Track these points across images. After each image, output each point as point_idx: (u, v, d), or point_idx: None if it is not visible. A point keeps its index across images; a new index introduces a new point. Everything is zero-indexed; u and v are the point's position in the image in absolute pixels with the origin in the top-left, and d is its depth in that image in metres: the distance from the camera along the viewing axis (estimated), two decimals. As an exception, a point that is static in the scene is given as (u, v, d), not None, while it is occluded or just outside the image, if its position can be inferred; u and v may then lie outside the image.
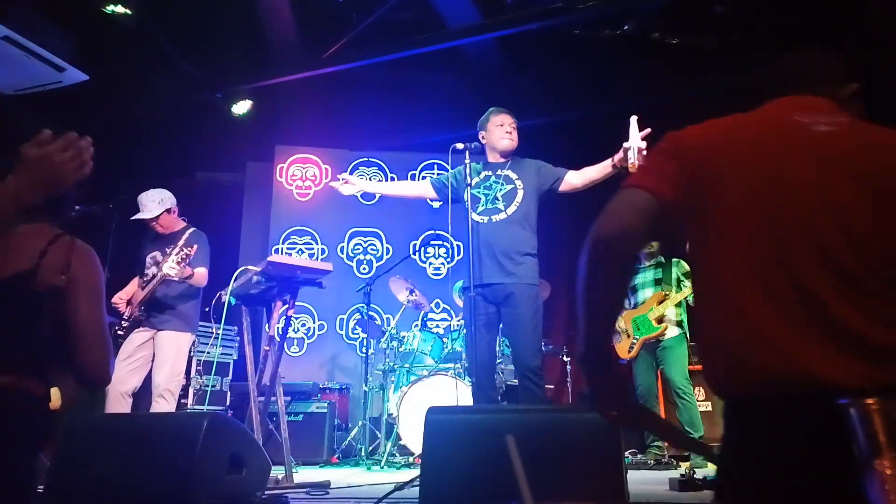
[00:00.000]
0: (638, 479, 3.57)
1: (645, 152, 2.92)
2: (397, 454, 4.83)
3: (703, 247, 1.16)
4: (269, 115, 6.62)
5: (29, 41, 4.34)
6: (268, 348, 3.48)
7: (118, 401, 3.71)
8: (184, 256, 3.68)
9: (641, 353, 4.72)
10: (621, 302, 1.24)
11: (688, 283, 4.64)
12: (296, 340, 6.70)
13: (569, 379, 5.98)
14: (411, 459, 4.67)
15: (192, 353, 4.82)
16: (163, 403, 3.79)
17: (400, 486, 2.59)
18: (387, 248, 7.09)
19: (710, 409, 5.03)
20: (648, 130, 2.94)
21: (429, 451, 1.91)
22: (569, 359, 5.98)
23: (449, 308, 6.78)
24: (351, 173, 6.64)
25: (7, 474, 1.35)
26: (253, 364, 3.35)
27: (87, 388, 1.86)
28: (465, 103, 5.62)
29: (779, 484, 0.99)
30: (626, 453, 4.38)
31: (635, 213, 1.14)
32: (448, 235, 6.97)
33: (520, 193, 3.26)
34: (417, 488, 1.93)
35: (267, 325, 3.99)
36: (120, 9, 4.92)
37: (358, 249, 7.08)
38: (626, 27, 5.72)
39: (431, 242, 7.08)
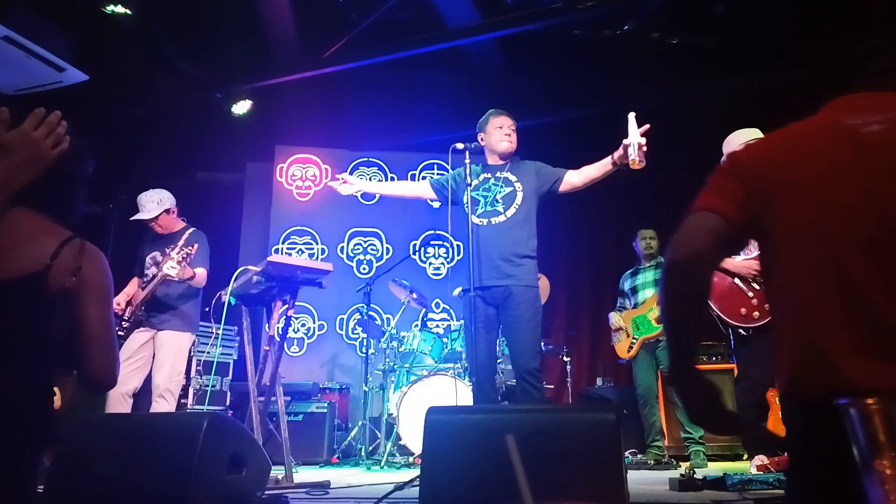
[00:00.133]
0: (638, 479, 3.56)
1: (645, 148, 2.91)
2: (397, 454, 4.84)
3: (766, 263, 1.22)
4: (269, 115, 6.62)
5: (29, 41, 4.33)
6: (268, 348, 3.48)
7: (119, 401, 3.71)
8: (185, 256, 3.68)
9: (641, 353, 4.73)
10: (700, 323, 1.29)
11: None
12: (296, 340, 6.70)
13: (569, 379, 5.99)
14: (411, 459, 4.68)
15: (192, 353, 4.82)
16: (163, 403, 3.79)
17: (400, 486, 2.59)
18: (387, 248, 7.10)
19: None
20: (647, 126, 2.93)
21: (429, 451, 1.91)
22: (569, 359, 5.98)
23: (449, 308, 6.79)
24: (351, 173, 6.65)
25: (11, 475, 1.35)
26: (253, 364, 3.34)
27: (93, 391, 1.86)
28: (465, 103, 5.61)
29: (843, 482, 1.01)
30: (626, 453, 4.38)
31: (705, 234, 1.18)
32: (448, 235, 6.98)
33: (519, 195, 3.25)
34: (417, 488, 1.93)
35: (267, 325, 3.99)
36: (120, 9, 4.92)
37: (358, 249, 7.08)
38: (626, 27, 5.73)
39: (431, 242, 7.08)
